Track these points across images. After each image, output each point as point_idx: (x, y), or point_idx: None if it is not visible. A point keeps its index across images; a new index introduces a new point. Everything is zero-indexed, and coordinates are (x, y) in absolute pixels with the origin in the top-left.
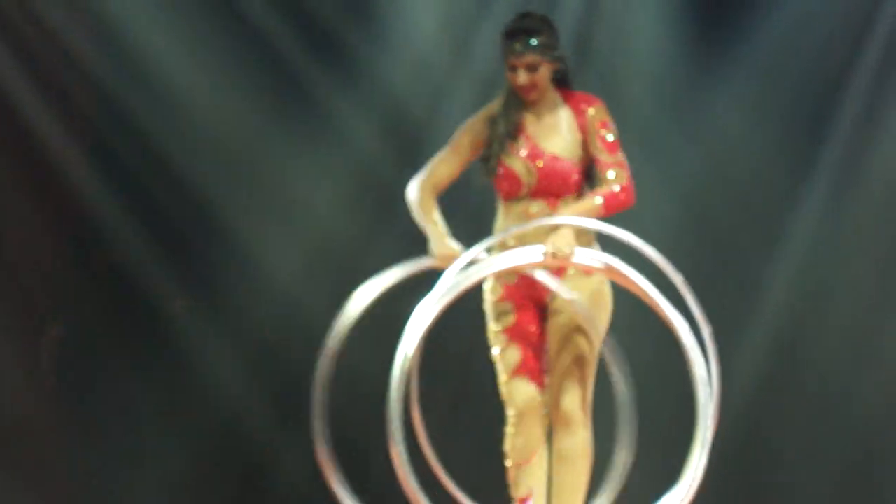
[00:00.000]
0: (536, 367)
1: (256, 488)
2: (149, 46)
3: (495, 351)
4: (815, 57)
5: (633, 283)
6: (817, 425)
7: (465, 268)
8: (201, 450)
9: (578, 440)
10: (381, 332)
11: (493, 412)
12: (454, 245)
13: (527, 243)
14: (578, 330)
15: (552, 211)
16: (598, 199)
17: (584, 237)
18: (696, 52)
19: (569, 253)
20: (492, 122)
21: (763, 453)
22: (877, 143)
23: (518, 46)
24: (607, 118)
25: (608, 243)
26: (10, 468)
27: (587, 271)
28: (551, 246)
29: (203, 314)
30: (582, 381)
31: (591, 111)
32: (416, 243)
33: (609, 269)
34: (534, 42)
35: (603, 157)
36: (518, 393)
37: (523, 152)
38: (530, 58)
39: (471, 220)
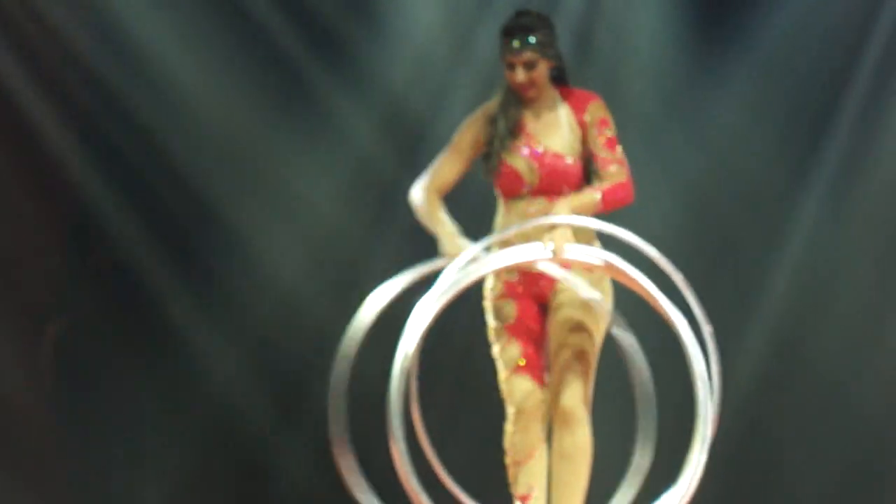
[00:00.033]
0: (537, 364)
1: (258, 487)
2: (150, 44)
3: (495, 348)
4: (816, 55)
5: (633, 281)
6: (818, 423)
7: (464, 266)
8: (202, 448)
9: (579, 438)
10: (380, 330)
11: (492, 410)
12: (466, 243)
13: (529, 241)
14: (580, 327)
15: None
16: (596, 195)
17: (585, 234)
18: (697, 50)
19: (567, 250)
20: (491, 120)
21: (763, 452)
22: (878, 141)
23: (515, 44)
24: (606, 115)
25: (609, 241)
26: (10, 468)
27: (587, 268)
28: (550, 243)
29: (204, 312)
30: (583, 378)
31: (590, 108)
32: (418, 241)
33: (609, 267)
34: (531, 40)
35: (603, 153)
36: (518, 390)
37: (524, 150)
38: (528, 55)
39: (471, 220)
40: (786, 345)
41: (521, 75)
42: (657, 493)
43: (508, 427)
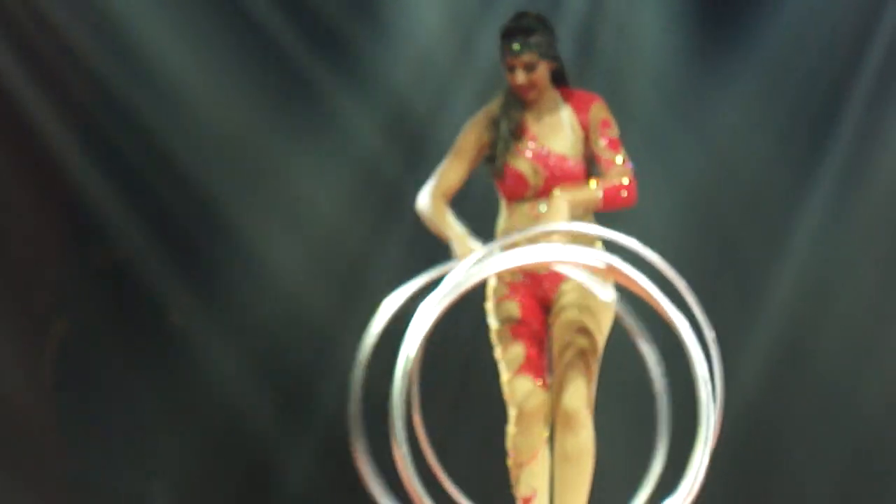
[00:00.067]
0: (540, 365)
1: (260, 487)
2: (153, 44)
3: (498, 350)
4: (819, 56)
5: (635, 283)
6: (820, 424)
7: (468, 268)
8: (204, 449)
9: (582, 439)
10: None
11: (494, 411)
12: (477, 244)
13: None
14: (583, 328)
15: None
16: (598, 192)
17: (586, 236)
18: (699, 51)
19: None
20: (493, 122)
21: (766, 453)
22: (881, 142)
23: (515, 46)
24: (609, 116)
25: (611, 243)
26: (11, 468)
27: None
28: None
29: (207, 313)
30: (586, 380)
31: (592, 109)
32: (421, 241)
33: (611, 269)
34: (530, 41)
35: (606, 154)
36: (521, 391)
37: (529, 153)
38: (527, 57)
39: (471, 220)
40: (788, 346)
41: (521, 77)
42: (661, 495)
43: (510, 429)
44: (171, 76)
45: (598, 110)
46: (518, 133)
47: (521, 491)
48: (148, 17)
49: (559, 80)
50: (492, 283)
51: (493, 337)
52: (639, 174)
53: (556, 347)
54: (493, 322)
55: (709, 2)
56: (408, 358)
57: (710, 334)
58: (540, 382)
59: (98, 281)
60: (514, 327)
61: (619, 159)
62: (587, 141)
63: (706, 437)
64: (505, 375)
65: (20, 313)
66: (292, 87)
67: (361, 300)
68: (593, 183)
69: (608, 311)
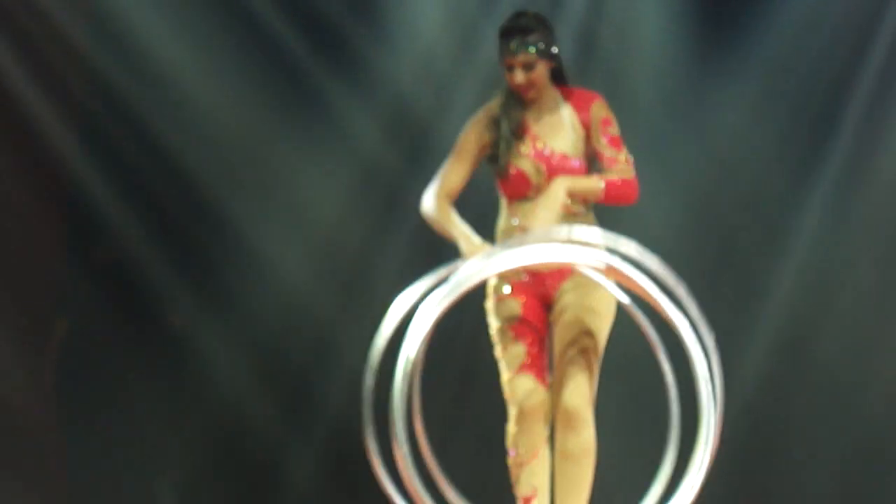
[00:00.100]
0: (541, 364)
1: (262, 487)
2: (154, 45)
3: (498, 348)
4: (820, 55)
5: (635, 284)
6: (821, 424)
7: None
8: (205, 449)
9: (584, 438)
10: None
11: (495, 410)
12: (484, 243)
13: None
14: (585, 327)
15: (563, 211)
16: (600, 183)
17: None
18: (699, 50)
19: (547, 222)
20: (494, 122)
21: (766, 452)
22: (882, 141)
23: (513, 46)
24: (609, 114)
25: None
26: (12, 468)
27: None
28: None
29: (209, 313)
30: (587, 379)
31: (593, 107)
32: (423, 242)
33: (610, 270)
34: (529, 41)
35: (608, 152)
36: (522, 390)
37: (531, 152)
38: (526, 56)
39: (470, 221)
40: (788, 345)
41: (519, 77)
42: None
43: (511, 427)
44: (172, 76)
45: (599, 109)
46: (519, 132)
47: (521, 490)
48: (149, 16)
49: (559, 78)
50: (492, 282)
51: (494, 335)
52: (639, 174)
53: (557, 346)
54: (493, 321)
55: (709, 2)
56: (408, 359)
57: (710, 338)
58: (541, 381)
59: (99, 281)
60: (514, 326)
61: (622, 156)
62: (588, 139)
63: (707, 437)
64: (505, 374)
65: (20, 313)
66: (294, 87)
67: (363, 300)
68: (596, 176)
69: (610, 310)
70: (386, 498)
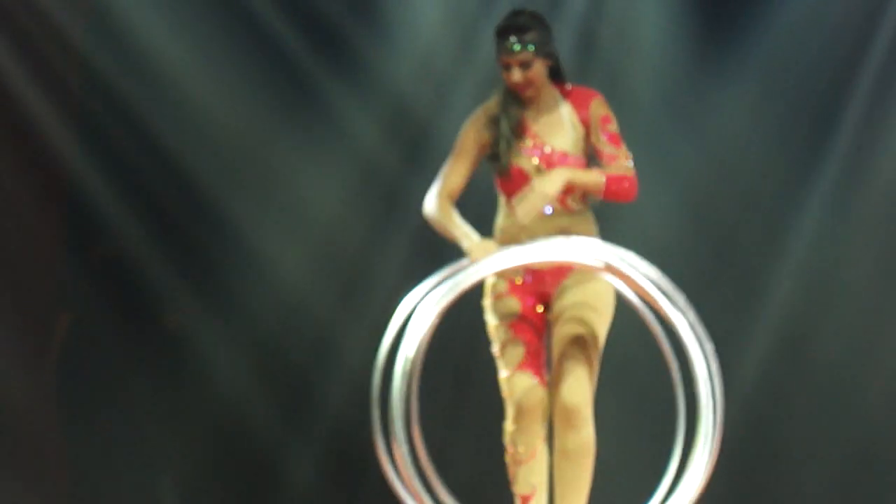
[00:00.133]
0: (539, 362)
1: (262, 487)
2: (154, 44)
3: (496, 346)
4: (819, 55)
5: (634, 283)
6: (820, 422)
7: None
8: (205, 449)
9: (584, 436)
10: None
11: (493, 408)
12: (488, 242)
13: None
14: (583, 325)
15: (561, 208)
16: (601, 178)
17: (585, 233)
18: (699, 49)
19: (539, 197)
20: (493, 121)
21: (766, 451)
22: (881, 140)
23: (509, 44)
24: (608, 111)
25: (609, 239)
26: (12, 468)
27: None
28: (525, 199)
29: (208, 313)
30: (587, 376)
31: (592, 105)
32: (423, 241)
33: (609, 268)
34: (525, 39)
35: (608, 149)
36: (520, 388)
37: (530, 151)
38: (522, 55)
39: (470, 220)
40: (787, 344)
41: (517, 75)
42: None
43: (509, 426)
44: (172, 76)
45: (598, 106)
46: (519, 131)
47: (520, 489)
48: (148, 15)
49: (557, 77)
50: (490, 280)
51: (492, 333)
52: (638, 173)
53: (556, 343)
54: (491, 318)
55: (708, 1)
56: (407, 358)
57: (709, 346)
58: (539, 379)
59: (98, 280)
60: (513, 324)
61: (621, 153)
62: (588, 137)
63: (706, 436)
64: (504, 372)
65: (20, 313)
66: (293, 86)
67: (363, 299)
68: (597, 171)
69: (609, 308)
70: (386, 497)
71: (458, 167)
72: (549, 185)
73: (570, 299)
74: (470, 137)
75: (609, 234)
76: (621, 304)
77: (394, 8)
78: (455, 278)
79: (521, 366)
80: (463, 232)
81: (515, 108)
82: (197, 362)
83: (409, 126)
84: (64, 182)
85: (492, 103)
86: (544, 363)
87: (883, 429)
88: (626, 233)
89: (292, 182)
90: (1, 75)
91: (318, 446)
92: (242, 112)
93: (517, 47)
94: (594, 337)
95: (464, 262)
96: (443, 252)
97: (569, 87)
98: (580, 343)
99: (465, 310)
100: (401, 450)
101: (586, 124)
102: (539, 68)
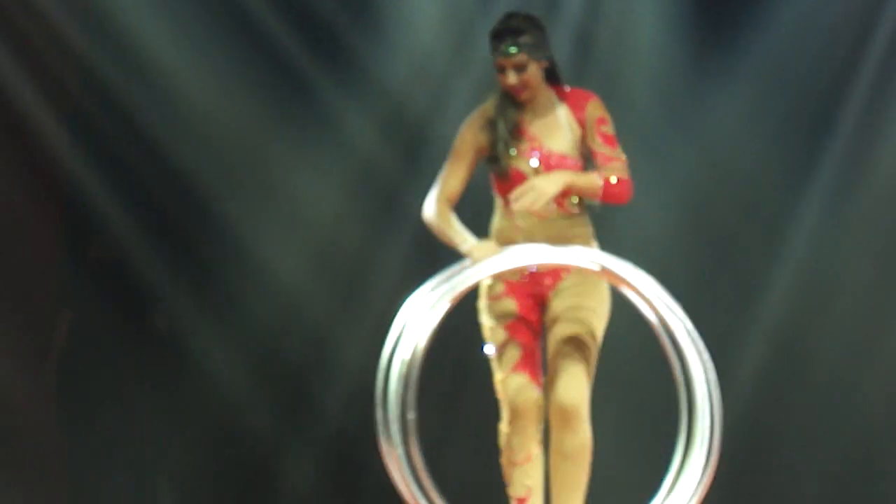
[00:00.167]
0: (534, 363)
1: (261, 487)
2: (150, 44)
3: (491, 348)
4: (816, 56)
5: (630, 285)
6: (818, 423)
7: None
8: (204, 450)
9: (582, 437)
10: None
11: (488, 410)
12: (489, 244)
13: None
14: (580, 325)
15: (559, 210)
16: (599, 181)
17: (581, 236)
18: (696, 51)
19: (536, 195)
20: (490, 123)
21: (764, 452)
22: (878, 141)
23: (504, 47)
24: (605, 113)
25: (606, 242)
26: (11, 468)
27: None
28: (524, 195)
29: (206, 314)
30: (584, 377)
31: (588, 106)
32: (420, 241)
33: (605, 271)
34: (520, 42)
35: (604, 151)
36: (516, 390)
37: (528, 153)
38: (517, 58)
39: (466, 221)
40: (785, 345)
41: (512, 78)
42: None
43: (504, 427)
44: (168, 75)
45: (595, 108)
46: (516, 133)
47: (516, 491)
48: (144, 15)
49: (553, 79)
50: (486, 282)
51: (487, 335)
52: (635, 174)
53: (552, 344)
54: (487, 320)
55: (706, 2)
56: (403, 360)
57: (706, 357)
58: (535, 381)
59: (97, 281)
60: (510, 325)
61: (616, 155)
62: (584, 138)
63: (703, 439)
64: (499, 374)
65: (20, 313)
66: (290, 86)
67: (361, 300)
68: (594, 174)
69: (605, 309)
70: (384, 498)
71: (456, 171)
72: (549, 185)
73: (566, 300)
74: (467, 141)
75: (607, 235)
76: (621, 303)
77: (391, 9)
78: (457, 278)
79: (517, 367)
80: (462, 237)
81: (512, 110)
82: (195, 363)
83: (406, 127)
84: (62, 183)
85: (488, 105)
86: (540, 365)
87: (881, 430)
88: (623, 234)
89: (290, 183)
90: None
91: (316, 448)
92: (239, 112)
93: (512, 50)
94: (591, 338)
95: (465, 262)
96: (441, 253)
97: (566, 88)
98: (577, 343)
99: (461, 311)
100: (396, 452)
101: (583, 125)
102: (534, 71)
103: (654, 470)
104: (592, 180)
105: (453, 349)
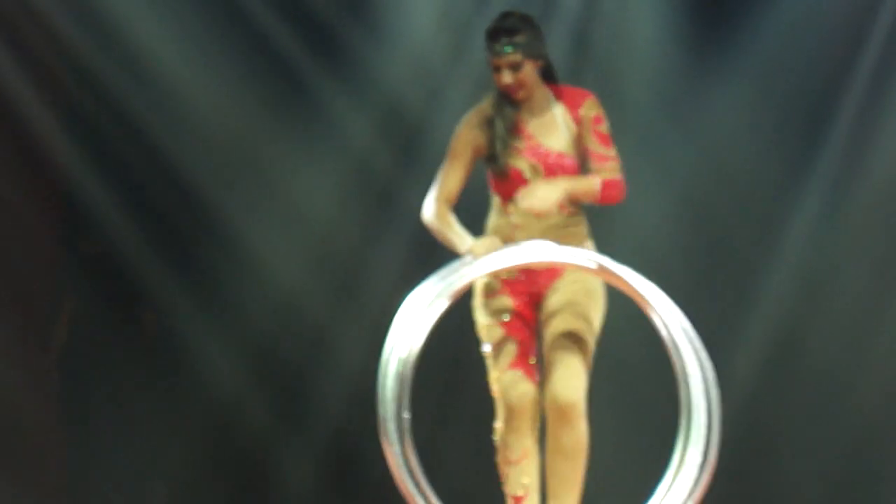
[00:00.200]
0: (531, 362)
1: (256, 487)
2: (147, 43)
3: (487, 346)
4: (813, 55)
5: (627, 284)
6: (816, 421)
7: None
8: (202, 450)
9: (579, 433)
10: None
11: (483, 408)
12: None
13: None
14: (576, 322)
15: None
16: (596, 184)
17: (577, 236)
18: (694, 50)
19: (540, 203)
20: (488, 123)
21: (761, 450)
22: (874, 140)
23: (499, 47)
24: (601, 112)
25: (603, 242)
26: (11, 468)
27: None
28: (529, 193)
29: (203, 314)
30: (581, 374)
31: (585, 105)
32: (416, 240)
33: (602, 270)
34: (515, 41)
35: (599, 150)
36: (513, 388)
37: (526, 152)
38: (512, 57)
39: (467, 222)
40: (782, 344)
41: (507, 77)
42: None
43: (499, 425)
44: (166, 75)
45: (591, 106)
46: (514, 132)
47: (513, 489)
48: (141, 13)
49: (549, 77)
50: (482, 280)
51: (483, 333)
52: (633, 173)
53: (548, 341)
54: (482, 318)
55: (703, 1)
56: (400, 359)
57: (708, 366)
58: (531, 378)
59: (96, 281)
60: (506, 323)
61: (611, 155)
62: (580, 136)
63: (700, 437)
64: (494, 372)
65: (20, 313)
66: (286, 85)
67: (358, 299)
68: (591, 177)
69: (601, 306)
70: (382, 498)
71: (455, 171)
72: (550, 192)
73: (562, 297)
74: (464, 141)
75: (604, 233)
76: (620, 303)
77: (387, 8)
78: (455, 276)
79: (513, 365)
80: (462, 239)
81: (510, 109)
82: (194, 363)
83: (402, 126)
84: (60, 183)
85: (485, 105)
86: (536, 362)
87: (878, 428)
88: (620, 232)
89: (287, 182)
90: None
91: (314, 447)
92: (236, 112)
93: (506, 49)
94: (588, 333)
95: (465, 260)
96: (439, 251)
97: (562, 87)
98: (573, 340)
99: (457, 308)
100: (393, 449)
101: (579, 124)
102: (529, 70)
103: (653, 469)
104: (590, 184)
105: (451, 347)
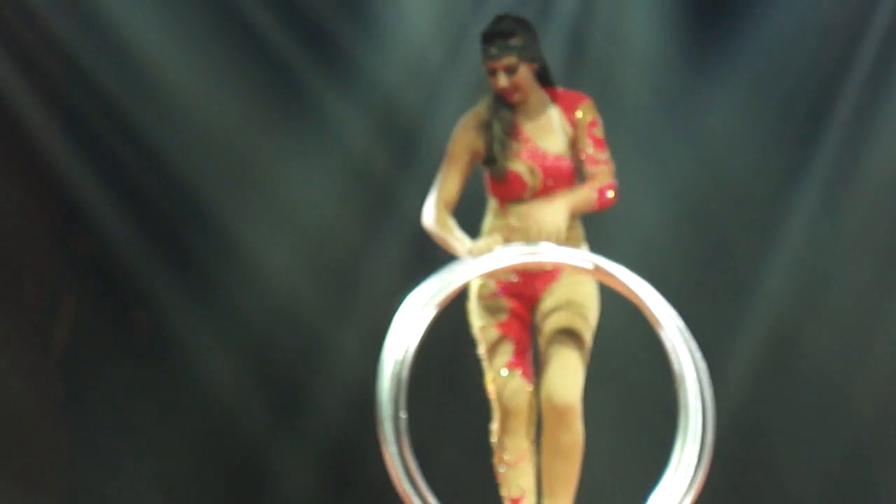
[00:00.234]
0: (526, 363)
1: (253, 487)
2: (143, 44)
3: (482, 348)
4: (810, 56)
5: (622, 284)
6: (813, 422)
7: (456, 269)
8: (199, 450)
9: (575, 434)
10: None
11: (479, 411)
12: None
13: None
14: (572, 323)
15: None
16: (593, 193)
17: (573, 236)
18: (690, 51)
19: (555, 234)
20: (485, 125)
21: (759, 450)
22: (871, 141)
23: (493, 50)
24: (596, 115)
25: (599, 242)
26: (11, 469)
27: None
28: (537, 226)
29: (200, 314)
30: (577, 375)
31: (581, 108)
32: (413, 240)
33: (597, 270)
34: (510, 44)
35: (594, 153)
36: (509, 389)
37: (524, 154)
38: (507, 60)
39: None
40: (779, 343)
41: (502, 80)
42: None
43: (496, 427)
44: (161, 76)
45: (587, 110)
46: (512, 135)
47: (510, 491)
48: (137, 14)
49: (545, 80)
50: (477, 282)
51: (478, 335)
52: (629, 174)
53: (544, 342)
54: (478, 320)
55: (699, 3)
56: (396, 360)
57: (702, 367)
58: (527, 380)
59: (90, 282)
60: (502, 324)
61: (605, 159)
62: (575, 139)
63: (695, 437)
64: (490, 374)
65: (20, 315)
66: (283, 86)
67: (354, 300)
68: (586, 187)
69: (596, 306)
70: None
71: (453, 175)
72: (555, 216)
73: (558, 299)
74: (461, 144)
75: (601, 234)
76: (618, 303)
77: (384, 10)
78: (452, 276)
79: (509, 366)
80: (463, 244)
81: (507, 111)
82: (191, 364)
83: (399, 128)
84: (59, 184)
85: (481, 108)
86: (531, 364)
87: (873, 430)
88: (617, 233)
89: (283, 183)
90: None
91: (311, 448)
92: (233, 113)
93: (501, 52)
94: (584, 333)
95: (463, 260)
96: (436, 252)
97: (558, 90)
98: (569, 340)
99: (454, 309)
100: (390, 450)
101: (574, 126)
102: (524, 73)
103: (649, 468)
104: (587, 196)
105: (446, 348)
